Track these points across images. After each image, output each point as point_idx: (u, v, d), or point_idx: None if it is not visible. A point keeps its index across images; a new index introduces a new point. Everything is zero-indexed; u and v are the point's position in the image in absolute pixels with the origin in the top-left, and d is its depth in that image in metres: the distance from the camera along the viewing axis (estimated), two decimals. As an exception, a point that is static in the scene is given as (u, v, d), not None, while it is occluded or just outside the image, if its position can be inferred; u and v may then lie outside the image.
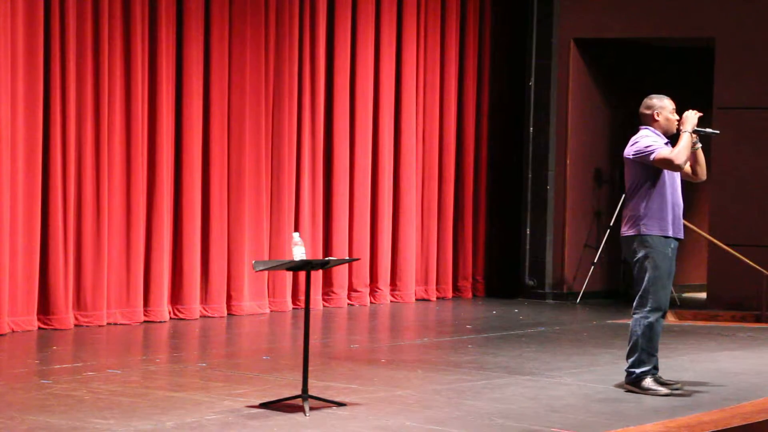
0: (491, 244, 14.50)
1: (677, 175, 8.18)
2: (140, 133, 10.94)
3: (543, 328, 11.49)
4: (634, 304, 8.11)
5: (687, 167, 8.24)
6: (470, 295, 14.25)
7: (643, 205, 8.07)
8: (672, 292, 13.93)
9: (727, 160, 13.42)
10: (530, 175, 14.23)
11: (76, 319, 10.57)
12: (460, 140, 14.11)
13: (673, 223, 8.10)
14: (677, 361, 9.41)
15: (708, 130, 8.27)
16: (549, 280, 14.21)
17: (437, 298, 13.82)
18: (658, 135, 8.17)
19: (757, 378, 8.76)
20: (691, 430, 6.79)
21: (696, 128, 8.12)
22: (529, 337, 10.85)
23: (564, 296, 14.12)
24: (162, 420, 6.72)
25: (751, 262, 12.80)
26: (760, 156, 13.26)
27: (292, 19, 12.21)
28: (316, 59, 12.48)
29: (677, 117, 8.20)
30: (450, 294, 14.03)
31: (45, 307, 10.40)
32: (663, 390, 7.96)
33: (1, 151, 9.94)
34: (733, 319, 12.62)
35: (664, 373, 8.35)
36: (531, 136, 14.21)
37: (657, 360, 8.06)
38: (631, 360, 8.04)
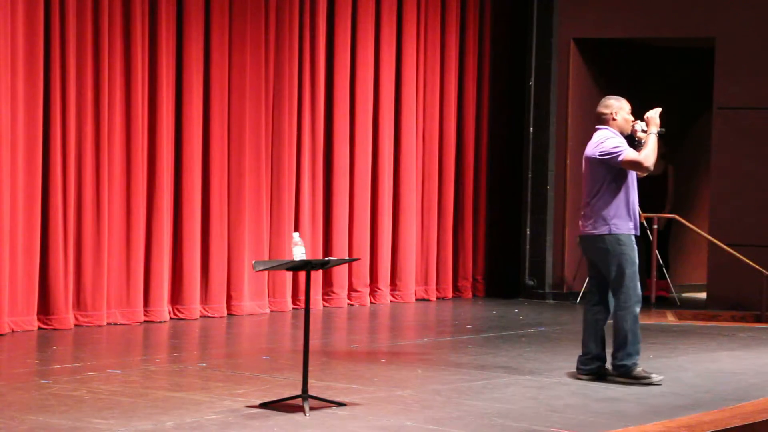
0: (491, 244, 14.50)
1: (635, 175, 8.37)
2: (140, 133, 10.94)
3: (543, 328, 11.49)
4: (617, 301, 8.32)
5: None
6: (470, 295, 14.24)
7: (611, 205, 8.27)
8: (672, 292, 14.03)
9: (727, 160, 13.42)
10: (530, 175, 14.23)
11: (76, 319, 10.57)
12: (460, 140, 14.11)
13: (635, 221, 8.37)
14: (677, 361, 9.41)
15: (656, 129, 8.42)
16: (549, 280, 14.21)
17: (437, 298, 13.81)
18: (617, 135, 8.36)
19: (757, 378, 8.76)
20: (691, 430, 6.79)
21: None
22: (529, 337, 10.85)
23: (564, 296, 14.11)
24: (162, 420, 6.72)
25: (751, 262, 12.80)
26: (760, 156, 13.26)
27: (292, 19, 12.21)
28: (316, 59, 12.48)
29: (633, 118, 8.40)
30: (450, 294, 14.03)
31: (45, 307, 10.40)
32: (660, 376, 8.22)
33: (1, 151, 9.94)
34: (733, 319, 12.62)
35: (664, 373, 8.38)
36: (531, 136, 14.21)
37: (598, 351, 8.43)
38: (621, 354, 8.27)
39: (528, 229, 14.25)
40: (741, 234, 13.25)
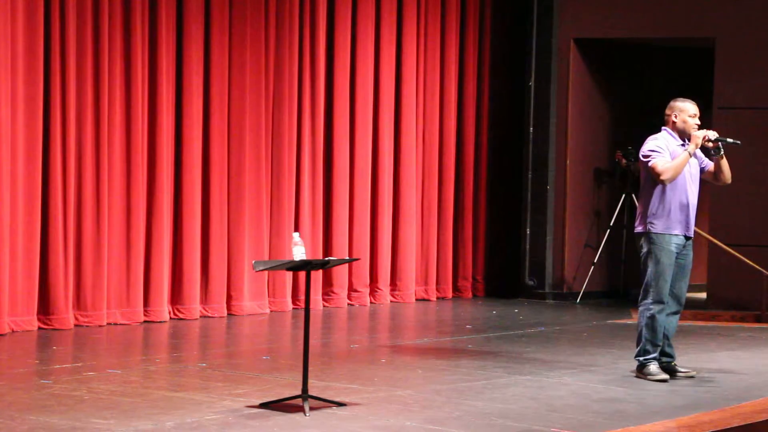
0: (491, 244, 14.50)
1: (687, 175, 8.40)
2: (140, 133, 10.94)
3: (543, 328, 11.49)
4: (641, 297, 8.49)
5: (710, 168, 8.58)
6: (470, 295, 14.24)
7: (651, 203, 8.39)
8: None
9: (727, 160, 13.38)
10: (530, 175, 14.22)
11: (76, 319, 10.57)
12: (460, 140, 14.11)
13: (680, 222, 8.38)
14: (677, 362, 9.39)
15: (729, 140, 8.57)
16: (549, 280, 14.21)
17: (437, 298, 13.81)
18: (673, 137, 8.43)
19: (757, 378, 8.77)
20: (691, 430, 6.79)
21: (719, 138, 8.42)
22: (529, 337, 10.85)
23: (564, 296, 14.11)
24: (162, 420, 6.73)
25: (751, 262, 12.80)
26: (760, 156, 13.26)
27: (292, 19, 12.21)
28: (316, 59, 12.48)
29: (698, 122, 8.47)
30: (450, 294, 14.03)
31: (45, 307, 10.40)
32: (663, 375, 8.37)
33: (1, 151, 9.94)
34: (733, 319, 12.62)
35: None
36: (531, 136, 14.21)
37: (661, 348, 8.50)
38: (637, 349, 8.50)
39: (528, 229, 14.24)
40: (741, 234, 13.25)
